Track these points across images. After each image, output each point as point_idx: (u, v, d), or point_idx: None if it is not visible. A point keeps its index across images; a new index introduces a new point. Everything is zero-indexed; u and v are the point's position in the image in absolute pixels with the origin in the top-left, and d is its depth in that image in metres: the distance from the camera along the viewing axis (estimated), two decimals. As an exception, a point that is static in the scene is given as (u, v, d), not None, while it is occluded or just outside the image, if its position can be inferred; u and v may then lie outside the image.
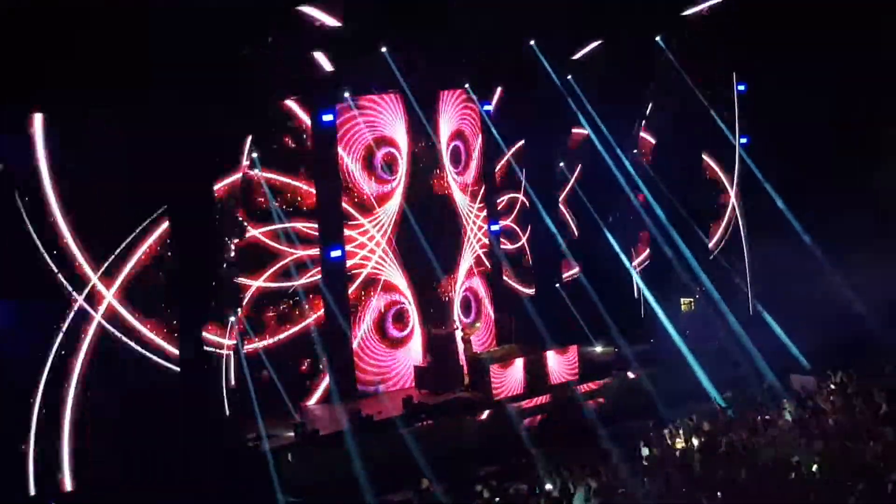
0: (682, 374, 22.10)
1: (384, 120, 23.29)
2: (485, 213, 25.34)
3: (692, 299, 25.63)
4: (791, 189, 25.17)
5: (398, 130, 23.50)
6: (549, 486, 15.34)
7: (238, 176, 20.07)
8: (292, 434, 19.34)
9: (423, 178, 23.91)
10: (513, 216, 26.84)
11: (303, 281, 22.01)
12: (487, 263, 25.26)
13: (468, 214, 24.81)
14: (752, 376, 21.01)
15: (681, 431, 17.18)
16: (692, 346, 23.21)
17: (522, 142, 26.23)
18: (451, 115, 24.46)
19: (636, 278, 25.46)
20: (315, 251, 22.20)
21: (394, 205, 23.37)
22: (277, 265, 21.79)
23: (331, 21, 19.48)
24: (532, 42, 23.38)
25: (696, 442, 16.51)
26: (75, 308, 17.66)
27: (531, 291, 26.28)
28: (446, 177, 24.26)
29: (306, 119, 22.12)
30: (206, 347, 18.71)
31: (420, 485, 16.15)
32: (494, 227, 25.52)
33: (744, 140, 27.09)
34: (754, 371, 21.42)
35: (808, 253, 24.52)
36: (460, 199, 24.68)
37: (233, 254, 19.79)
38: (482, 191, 25.35)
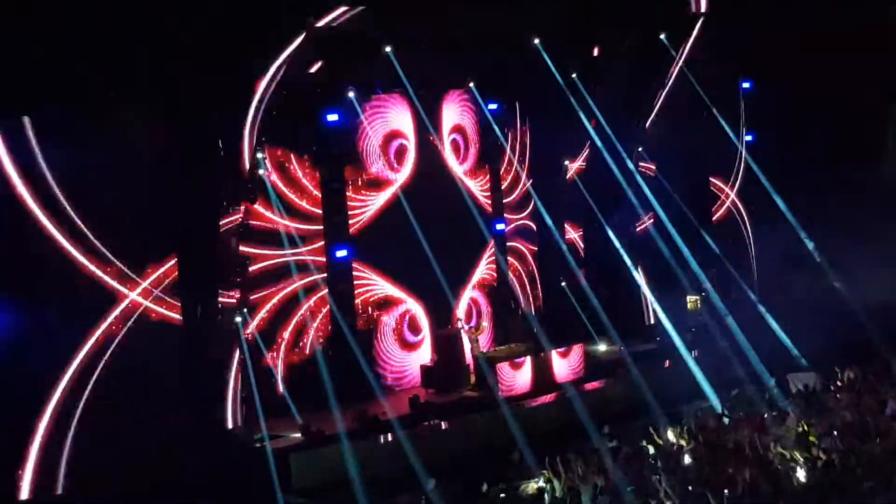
0: (688, 372, 22.07)
1: (395, 114, 23.53)
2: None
3: (698, 297, 25.57)
4: (795, 187, 25.09)
5: (407, 125, 23.75)
6: (556, 485, 15.34)
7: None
8: (299, 435, 19.36)
9: (434, 173, 23.92)
10: (527, 212, 26.77)
11: (305, 281, 22.04)
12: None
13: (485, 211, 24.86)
14: (753, 375, 20.95)
15: (687, 429, 17.16)
16: (693, 344, 23.24)
17: (520, 134, 26.29)
18: (453, 112, 24.61)
19: (639, 279, 25.35)
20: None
21: (379, 201, 23.33)
22: (274, 261, 21.79)
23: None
24: (536, 41, 23.36)
25: (702, 440, 16.46)
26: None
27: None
28: (456, 173, 24.33)
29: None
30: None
31: (427, 484, 16.14)
32: (500, 227, 25.50)
33: (749, 137, 27.03)
34: (753, 370, 21.35)
35: (810, 251, 24.45)
36: (477, 192, 24.86)
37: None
38: (486, 178, 25.50)
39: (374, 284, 23.21)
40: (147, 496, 17.13)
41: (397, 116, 23.61)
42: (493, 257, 25.13)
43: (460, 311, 24.02)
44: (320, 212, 22.46)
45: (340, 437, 18.91)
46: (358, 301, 22.82)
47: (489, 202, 25.38)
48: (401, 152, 23.70)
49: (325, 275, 22.19)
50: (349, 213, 22.72)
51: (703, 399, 20.92)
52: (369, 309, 23.10)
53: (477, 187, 25.21)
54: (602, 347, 24.94)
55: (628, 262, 25.20)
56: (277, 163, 21.80)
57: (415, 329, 23.89)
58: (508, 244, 26.09)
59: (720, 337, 23.59)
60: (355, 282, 22.77)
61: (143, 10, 16.65)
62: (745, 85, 27.64)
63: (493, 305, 25.26)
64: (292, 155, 22.09)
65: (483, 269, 25.18)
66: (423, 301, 23.82)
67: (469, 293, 24.67)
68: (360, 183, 23.00)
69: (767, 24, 24.40)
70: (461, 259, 24.06)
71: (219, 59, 17.53)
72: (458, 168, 24.57)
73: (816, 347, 21.99)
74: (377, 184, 23.28)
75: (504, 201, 26.00)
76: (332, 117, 22.23)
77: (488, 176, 25.50)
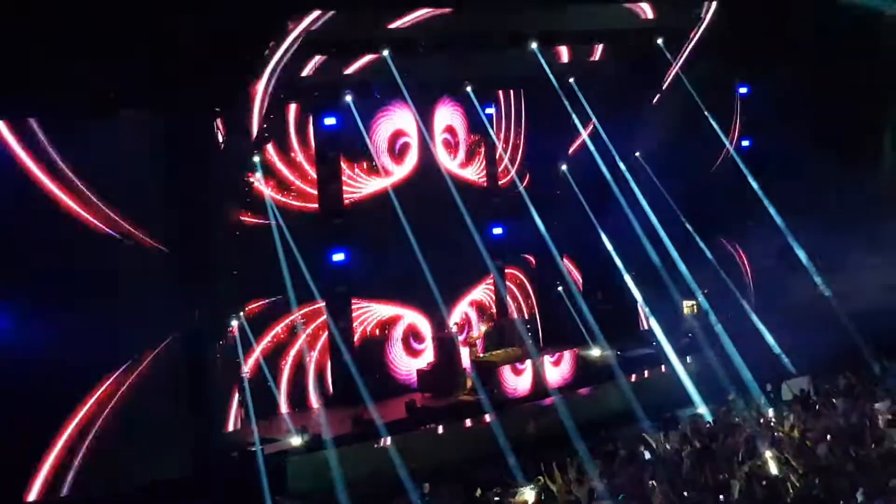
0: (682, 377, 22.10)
1: (399, 114, 23.78)
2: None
3: (695, 302, 25.50)
4: (790, 189, 25.07)
5: (410, 123, 23.92)
6: (552, 490, 15.35)
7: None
8: (296, 439, 19.32)
9: (434, 179, 23.90)
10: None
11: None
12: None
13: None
14: (747, 380, 20.97)
15: (682, 434, 17.18)
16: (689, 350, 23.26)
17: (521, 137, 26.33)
18: (445, 113, 24.81)
19: (630, 284, 25.29)
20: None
21: (375, 185, 23.33)
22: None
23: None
24: (534, 45, 23.36)
25: (697, 444, 16.49)
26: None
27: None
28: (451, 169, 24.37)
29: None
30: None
31: (422, 489, 16.15)
32: (497, 231, 25.47)
33: (746, 143, 27.02)
34: (748, 375, 21.36)
35: (803, 256, 24.42)
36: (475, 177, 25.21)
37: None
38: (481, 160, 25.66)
39: (371, 312, 23.31)
40: (147, 496, 17.11)
41: (401, 116, 23.78)
42: (492, 281, 25.13)
43: (454, 318, 24.06)
44: (317, 206, 22.58)
45: (337, 440, 18.93)
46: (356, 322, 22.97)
47: (485, 181, 25.53)
48: (404, 149, 23.87)
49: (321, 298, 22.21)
50: (343, 187, 22.87)
51: (699, 404, 20.93)
52: (367, 331, 23.22)
53: (474, 173, 25.33)
54: (596, 352, 24.92)
55: (621, 266, 25.15)
56: (274, 165, 21.84)
57: (418, 338, 23.97)
58: (512, 254, 26.04)
59: (712, 343, 23.63)
60: (354, 314, 22.95)
61: (143, 10, 16.65)
62: (743, 90, 27.63)
63: (489, 313, 25.26)
64: (288, 157, 22.14)
65: (482, 291, 25.23)
66: (421, 309, 23.80)
67: (464, 308, 24.70)
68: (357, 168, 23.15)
69: (766, 26, 24.41)
70: (460, 266, 23.93)
71: (219, 59, 17.54)
72: (452, 163, 24.60)
73: (809, 354, 22.00)
74: (378, 171, 23.36)
75: (506, 195, 26.00)
76: (330, 121, 22.30)
77: (484, 159, 25.60)
